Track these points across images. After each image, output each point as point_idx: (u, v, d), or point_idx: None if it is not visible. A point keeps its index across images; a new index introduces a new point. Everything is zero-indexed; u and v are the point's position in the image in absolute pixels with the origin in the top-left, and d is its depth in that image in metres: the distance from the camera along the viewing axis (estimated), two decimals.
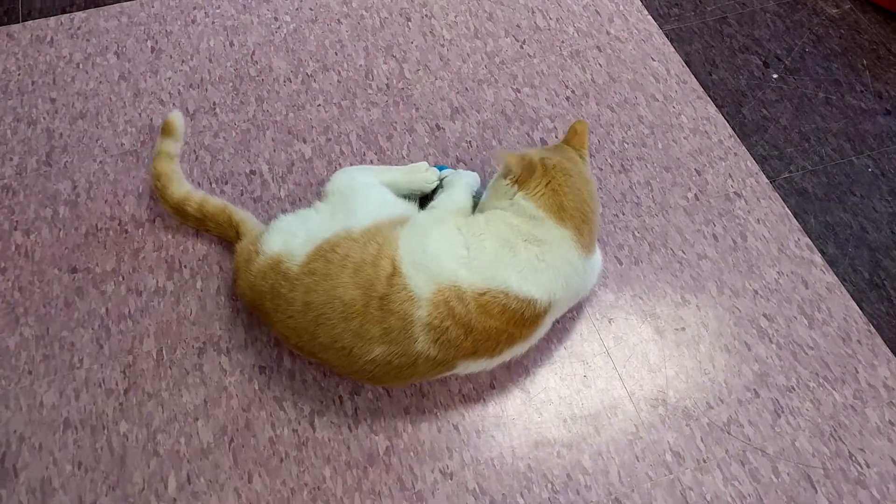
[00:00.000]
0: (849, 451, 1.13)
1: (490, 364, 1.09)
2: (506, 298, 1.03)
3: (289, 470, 1.09)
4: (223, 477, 1.09)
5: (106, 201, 1.36)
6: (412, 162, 1.41)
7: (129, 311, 1.23)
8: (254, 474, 1.09)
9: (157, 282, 1.27)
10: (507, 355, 1.09)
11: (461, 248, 1.07)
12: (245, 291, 1.13)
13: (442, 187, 1.30)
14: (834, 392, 1.19)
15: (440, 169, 1.34)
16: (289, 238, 1.12)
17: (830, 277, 1.31)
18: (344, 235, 1.08)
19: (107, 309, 1.24)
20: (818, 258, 1.34)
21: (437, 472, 1.10)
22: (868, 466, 1.12)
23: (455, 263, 1.05)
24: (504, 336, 1.04)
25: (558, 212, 1.09)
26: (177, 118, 1.34)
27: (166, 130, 1.32)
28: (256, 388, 1.16)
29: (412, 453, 1.11)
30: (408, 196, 1.25)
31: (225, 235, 1.27)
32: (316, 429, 1.13)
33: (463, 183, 1.26)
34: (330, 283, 1.03)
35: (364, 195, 1.18)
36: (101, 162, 1.41)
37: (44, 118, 1.48)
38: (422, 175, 1.30)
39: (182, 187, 1.29)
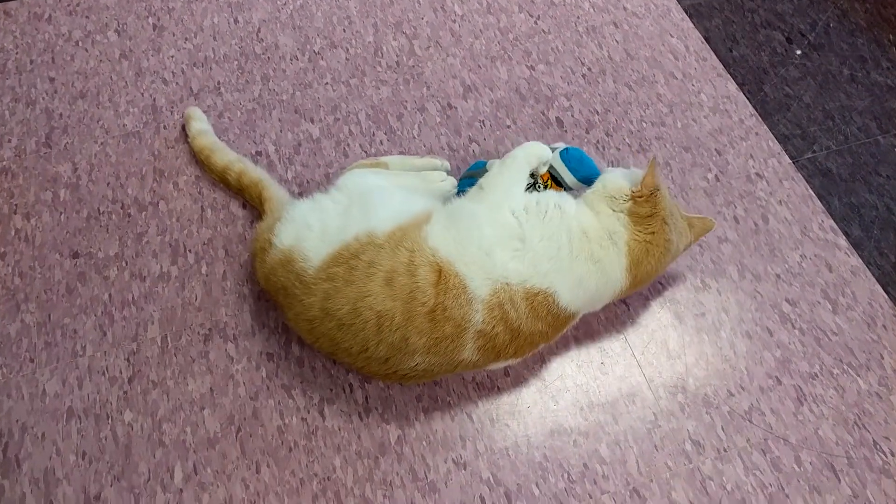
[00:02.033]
0: (873, 440, 1.10)
1: (515, 361, 1.06)
2: (553, 303, 0.99)
3: (298, 460, 1.07)
4: (230, 467, 1.06)
5: (108, 184, 1.32)
6: (423, 142, 1.38)
7: (133, 297, 1.20)
8: (262, 464, 1.06)
9: (162, 267, 1.23)
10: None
11: (515, 240, 1.00)
12: (262, 281, 1.09)
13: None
14: (858, 379, 1.15)
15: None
16: (302, 232, 1.05)
17: (855, 260, 1.27)
18: (366, 240, 1.00)
19: (110, 295, 1.20)
20: (842, 241, 1.29)
21: (450, 461, 1.07)
22: (893, 455, 1.09)
23: (507, 255, 0.99)
24: (542, 339, 1.02)
25: (634, 264, 1.03)
26: (193, 110, 1.38)
27: (189, 117, 1.37)
28: (264, 375, 1.13)
29: (424, 443, 1.08)
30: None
31: (259, 210, 1.24)
32: (325, 417, 1.10)
33: (520, 158, 1.10)
34: (355, 291, 0.97)
35: (383, 193, 1.10)
36: (102, 143, 1.38)
37: (43, 98, 1.43)
38: (437, 185, 1.21)
39: (224, 157, 1.29)
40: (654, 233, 1.03)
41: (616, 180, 1.06)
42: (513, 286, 0.97)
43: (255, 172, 1.25)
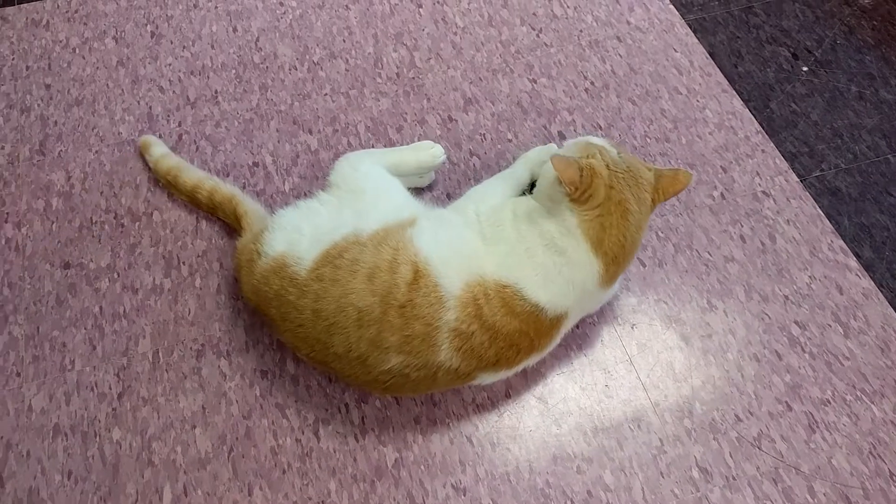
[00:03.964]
0: (889, 471, 1.06)
1: (508, 374, 1.03)
2: (523, 299, 0.96)
3: (291, 482, 1.03)
4: (221, 489, 1.02)
5: (101, 193, 1.29)
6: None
7: (125, 310, 1.17)
8: (254, 486, 1.02)
9: (154, 279, 1.20)
10: (524, 365, 1.03)
11: (477, 239, 1.02)
12: (249, 295, 1.06)
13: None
14: (873, 406, 1.12)
15: None
16: (293, 237, 1.04)
17: (867, 283, 1.24)
18: (353, 240, 1.00)
19: (101, 307, 1.17)
20: (853, 262, 1.26)
21: (449, 487, 1.03)
22: None
23: (473, 251, 1.00)
24: (525, 342, 0.98)
25: (597, 244, 0.98)
26: (147, 137, 1.33)
27: (146, 144, 1.32)
28: (258, 393, 1.10)
29: (423, 466, 1.05)
30: (416, 177, 1.26)
31: (234, 227, 1.21)
32: (320, 439, 1.06)
33: (507, 174, 1.19)
34: (340, 289, 0.96)
35: (374, 195, 1.10)
36: (97, 151, 1.35)
37: (38, 105, 1.41)
38: (428, 152, 1.23)
39: (193, 176, 1.25)
40: (600, 205, 0.98)
41: (547, 177, 1.05)
42: (486, 279, 0.96)
43: (227, 188, 1.22)
